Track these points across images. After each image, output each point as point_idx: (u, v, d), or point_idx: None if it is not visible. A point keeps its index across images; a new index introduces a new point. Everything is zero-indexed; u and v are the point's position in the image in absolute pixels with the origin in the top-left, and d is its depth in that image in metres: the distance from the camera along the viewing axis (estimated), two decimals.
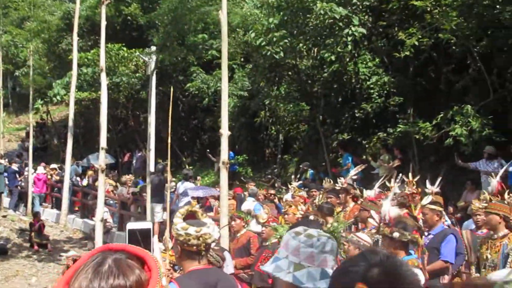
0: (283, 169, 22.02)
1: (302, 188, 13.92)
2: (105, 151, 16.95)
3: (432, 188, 10.43)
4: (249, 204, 14.34)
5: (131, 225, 2.02)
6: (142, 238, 1.99)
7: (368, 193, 10.65)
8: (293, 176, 14.34)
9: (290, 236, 2.86)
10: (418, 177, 10.83)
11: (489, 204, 7.40)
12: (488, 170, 13.21)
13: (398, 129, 15.32)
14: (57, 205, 22.78)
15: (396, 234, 5.88)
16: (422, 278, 5.62)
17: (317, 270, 2.76)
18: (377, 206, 9.22)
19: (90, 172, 22.27)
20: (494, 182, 10.32)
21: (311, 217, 7.94)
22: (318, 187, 12.15)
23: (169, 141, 15.56)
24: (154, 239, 2.03)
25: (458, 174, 14.55)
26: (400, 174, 10.48)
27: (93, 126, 32.03)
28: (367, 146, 18.15)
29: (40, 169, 23.78)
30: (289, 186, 13.47)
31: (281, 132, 22.43)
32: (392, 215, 7.55)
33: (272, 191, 15.65)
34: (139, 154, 26.62)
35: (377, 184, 11.16)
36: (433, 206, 8.05)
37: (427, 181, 10.64)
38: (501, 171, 10.79)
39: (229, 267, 8.16)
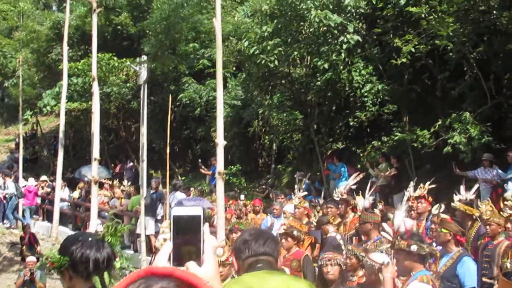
0: (277, 179, 21.81)
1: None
2: (98, 163, 16.71)
3: (467, 195, 9.78)
4: None
5: (177, 211, 1.68)
6: (190, 227, 1.66)
7: (362, 203, 10.35)
8: (296, 186, 13.86)
9: None
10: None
11: None
12: (487, 178, 13.06)
13: (396, 138, 15.13)
14: (48, 217, 22.44)
15: (414, 247, 5.56)
16: None
17: None
18: (376, 215, 8.98)
19: (81, 184, 21.96)
20: None
21: None
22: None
23: (167, 150, 15.40)
24: (205, 227, 1.67)
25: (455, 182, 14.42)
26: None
27: (83, 137, 31.76)
28: (361, 155, 17.97)
29: (31, 181, 23.47)
30: (293, 197, 12.99)
31: (274, 141, 22.23)
32: (408, 227, 7.26)
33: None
34: (130, 164, 26.36)
35: (369, 193, 10.85)
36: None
37: (461, 187, 10.05)
38: None
39: None
